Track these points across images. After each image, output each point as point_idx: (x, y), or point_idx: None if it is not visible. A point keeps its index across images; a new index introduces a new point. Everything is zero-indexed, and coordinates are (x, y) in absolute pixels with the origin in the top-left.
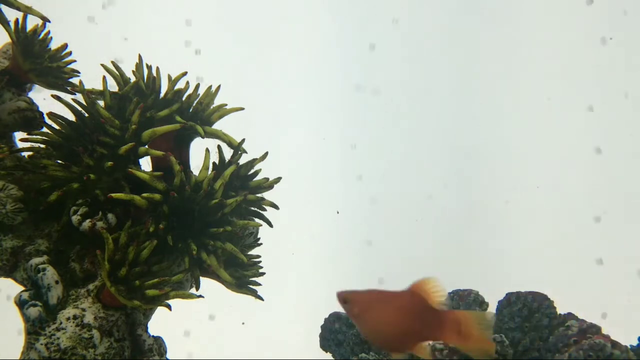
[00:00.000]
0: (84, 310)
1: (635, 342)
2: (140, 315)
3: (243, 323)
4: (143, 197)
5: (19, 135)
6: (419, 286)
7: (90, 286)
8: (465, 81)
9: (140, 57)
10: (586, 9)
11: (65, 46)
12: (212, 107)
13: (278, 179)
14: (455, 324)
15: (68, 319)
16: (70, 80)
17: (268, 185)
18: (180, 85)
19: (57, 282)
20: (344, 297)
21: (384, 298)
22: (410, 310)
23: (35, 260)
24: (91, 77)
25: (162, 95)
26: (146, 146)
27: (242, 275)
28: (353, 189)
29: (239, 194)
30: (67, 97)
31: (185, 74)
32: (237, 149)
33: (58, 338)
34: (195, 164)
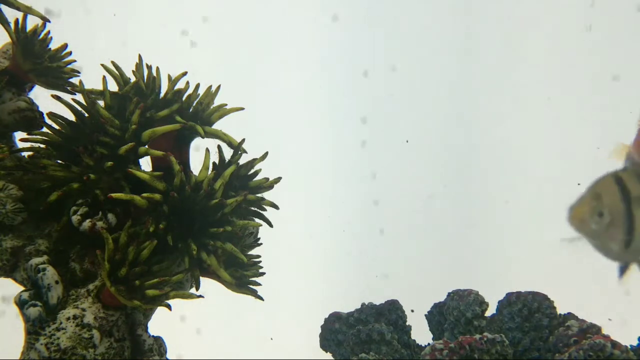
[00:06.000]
0: (84, 310)
1: (635, 342)
2: (140, 315)
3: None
4: (143, 197)
5: (19, 135)
6: None
7: (90, 286)
8: (465, 81)
9: (140, 57)
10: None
11: (65, 46)
12: (212, 107)
13: (278, 179)
14: None
15: (68, 319)
16: (70, 80)
17: (268, 185)
18: (180, 85)
19: (57, 282)
20: None
21: None
22: None
23: (35, 260)
24: (91, 77)
25: (162, 95)
26: (146, 146)
27: (242, 275)
28: (353, 188)
29: (239, 194)
30: (67, 97)
31: (185, 74)
32: (237, 149)
33: (58, 338)
34: (195, 164)
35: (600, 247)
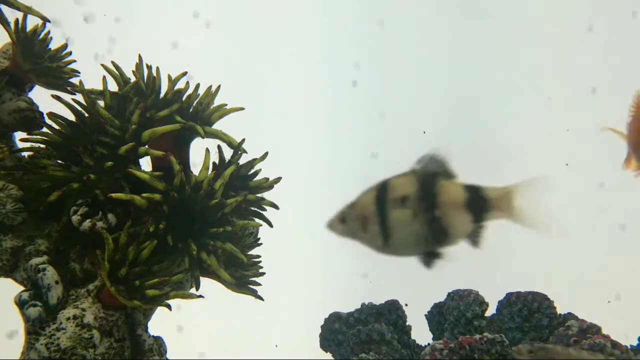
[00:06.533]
0: (84, 310)
1: (635, 342)
2: (140, 315)
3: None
4: (143, 197)
5: (19, 135)
6: None
7: (90, 286)
8: (465, 80)
9: (140, 57)
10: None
11: (65, 46)
12: (212, 107)
13: (278, 179)
14: None
15: (68, 319)
16: (70, 80)
17: (268, 185)
18: (180, 85)
19: (57, 282)
20: None
21: None
22: None
23: (35, 260)
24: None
25: (162, 95)
26: (146, 146)
27: (242, 275)
28: (353, 189)
29: (239, 194)
30: (67, 97)
31: (185, 74)
32: (237, 149)
33: (58, 338)
34: (195, 164)
35: (368, 245)
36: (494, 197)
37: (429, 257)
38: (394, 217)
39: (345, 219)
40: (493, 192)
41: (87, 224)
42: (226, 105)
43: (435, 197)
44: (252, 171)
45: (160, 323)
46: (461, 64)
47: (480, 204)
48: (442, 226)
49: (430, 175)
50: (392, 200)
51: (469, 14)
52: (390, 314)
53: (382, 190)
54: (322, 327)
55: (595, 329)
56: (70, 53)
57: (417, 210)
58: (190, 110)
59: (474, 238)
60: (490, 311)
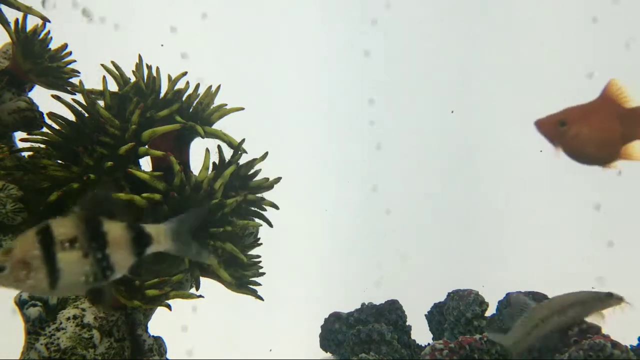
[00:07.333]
0: (84, 310)
1: (635, 342)
2: (140, 315)
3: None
4: (143, 197)
5: (19, 135)
6: (610, 90)
7: None
8: (465, 80)
9: (140, 57)
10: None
11: (65, 46)
12: (212, 107)
13: (278, 179)
14: None
15: (68, 319)
16: (70, 80)
17: (268, 185)
18: (180, 85)
19: None
20: (559, 120)
21: (592, 110)
22: (615, 113)
23: None
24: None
25: (162, 95)
26: (146, 146)
27: (242, 275)
28: (352, 189)
29: (239, 194)
30: (67, 97)
31: (185, 74)
32: (237, 149)
33: (58, 338)
34: (195, 164)
35: (30, 291)
36: (153, 234)
37: (96, 292)
38: (64, 260)
39: (3, 267)
40: (151, 230)
41: None
42: (226, 105)
43: (103, 236)
44: (252, 171)
45: (160, 323)
46: (461, 63)
47: (142, 240)
48: (109, 263)
49: (95, 216)
50: (60, 243)
51: (468, 11)
52: (390, 314)
53: (44, 234)
54: (322, 327)
55: (595, 329)
56: (71, 53)
57: (87, 250)
58: (190, 110)
59: (134, 269)
60: (490, 311)
